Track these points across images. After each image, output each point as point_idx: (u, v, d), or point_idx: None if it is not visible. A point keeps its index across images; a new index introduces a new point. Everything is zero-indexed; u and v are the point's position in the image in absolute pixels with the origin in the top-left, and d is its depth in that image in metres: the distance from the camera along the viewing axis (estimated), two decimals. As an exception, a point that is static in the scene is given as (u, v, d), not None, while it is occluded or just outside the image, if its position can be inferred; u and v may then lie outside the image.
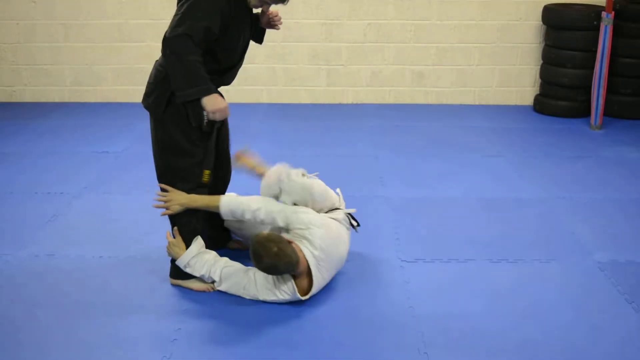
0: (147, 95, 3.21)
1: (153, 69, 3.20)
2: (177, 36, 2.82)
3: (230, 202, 3.11)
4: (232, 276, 3.07)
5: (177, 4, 2.98)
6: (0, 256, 3.49)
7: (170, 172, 3.11)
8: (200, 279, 3.18)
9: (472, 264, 3.45)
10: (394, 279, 3.30)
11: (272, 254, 2.81)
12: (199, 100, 2.90)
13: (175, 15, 2.88)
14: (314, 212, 3.11)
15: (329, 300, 3.10)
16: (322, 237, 2.99)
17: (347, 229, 3.26)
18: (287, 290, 3.00)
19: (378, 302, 3.10)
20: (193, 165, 3.10)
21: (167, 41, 2.85)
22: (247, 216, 3.10)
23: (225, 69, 3.13)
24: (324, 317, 2.98)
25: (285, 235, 3.04)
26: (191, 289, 3.19)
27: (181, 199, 3.08)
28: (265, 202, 3.11)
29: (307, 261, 2.96)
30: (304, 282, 3.00)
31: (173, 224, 3.18)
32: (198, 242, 3.17)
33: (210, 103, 2.90)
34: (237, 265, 3.13)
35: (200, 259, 3.12)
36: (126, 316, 2.98)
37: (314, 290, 3.02)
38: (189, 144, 3.06)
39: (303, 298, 3.00)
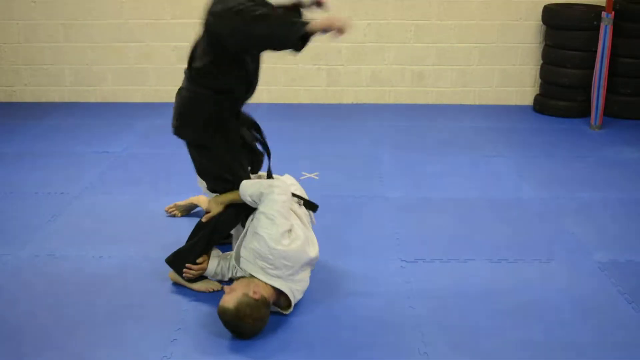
0: (181, 126, 3.18)
1: (178, 96, 3.20)
2: (240, 8, 2.71)
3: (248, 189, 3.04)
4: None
5: None
6: (0, 256, 3.49)
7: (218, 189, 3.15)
8: (201, 280, 3.19)
9: (472, 264, 3.45)
10: (394, 278, 3.30)
11: (250, 330, 2.77)
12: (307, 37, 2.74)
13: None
14: (282, 227, 2.91)
15: (329, 301, 3.10)
16: (284, 257, 2.86)
17: (307, 223, 3.19)
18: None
19: (378, 302, 3.10)
20: (226, 172, 3.12)
21: (240, 14, 2.69)
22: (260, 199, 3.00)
23: (251, 75, 3.11)
24: (323, 318, 2.98)
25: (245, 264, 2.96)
26: (191, 289, 3.19)
27: (217, 207, 3.11)
28: (261, 197, 2.98)
29: (271, 286, 2.86)
30: (281, 299, 2.94)
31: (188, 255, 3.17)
32: (215, 252, 3.21)
33: (317, 26, 2.70)
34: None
35: (224, 265, 3.17)
36: (126, 316, 2.98)
37: (294, 298, 2.96)
38: (220, 163, 3.11)
39: (286, 313, 2.96)
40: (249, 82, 3.12)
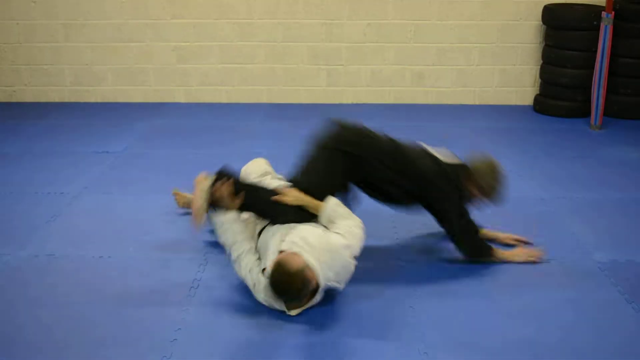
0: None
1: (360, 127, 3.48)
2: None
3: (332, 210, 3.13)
4: (246, 259, 3.08)
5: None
6: (0, 256, 3.49)
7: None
8: (207, 207, 3.13)
9: (472, 264, 3.44)
10: (394, 279, 3.30)
11: (294, 296, 2.82)
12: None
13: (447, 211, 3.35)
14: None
15: (329, 301, 3.10)
16: (347, 270, 2.95)
17: None
18: (278, 307, 2.98)
19: (378, 302, 3.10)
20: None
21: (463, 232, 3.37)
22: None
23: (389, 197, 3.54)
24: (323, 318, 2.98)
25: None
26: (191, 200, 3.25)
27: (292, 198, 3.15)
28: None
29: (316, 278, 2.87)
30: None
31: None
32: (242, 218, 3.22)
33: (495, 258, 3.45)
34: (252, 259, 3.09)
35: (232, 227, 3.16)
36: (126, 316, 2.98)
37: (310, 304, 2.97)
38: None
39: (293, 314, 2.96)
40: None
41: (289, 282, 2.75)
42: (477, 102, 6.34)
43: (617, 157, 5.00)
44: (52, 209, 4.04)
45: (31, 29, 6.12)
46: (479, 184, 3.34)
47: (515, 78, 6.28)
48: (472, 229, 3.40)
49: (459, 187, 3.34)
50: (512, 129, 5.67)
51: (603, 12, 5.34)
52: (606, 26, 5.33)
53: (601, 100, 5.52)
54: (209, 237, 3.67)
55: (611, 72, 5.60)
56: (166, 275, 3.29)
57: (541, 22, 6.03)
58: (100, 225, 3.85)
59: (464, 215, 3.37)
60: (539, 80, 6.21)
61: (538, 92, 6.22)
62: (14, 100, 6.32)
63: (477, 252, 3.41)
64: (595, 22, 5.58)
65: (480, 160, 3.42)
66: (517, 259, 3.44)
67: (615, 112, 5.85)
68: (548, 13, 5.88)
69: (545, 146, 5.25)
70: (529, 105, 6.29)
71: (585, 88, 5.80)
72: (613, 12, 5.32)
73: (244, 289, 3.19)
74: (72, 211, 4.04)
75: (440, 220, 3.44)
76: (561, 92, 5.91)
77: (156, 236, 3.71)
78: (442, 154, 3.45)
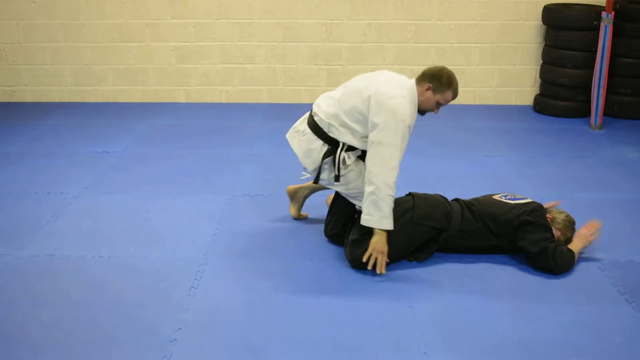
0: None
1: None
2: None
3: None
4: None
5: None
6: (1, 256, 3.49)
7: None
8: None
9: (472, 264, 3.45)
10: (394, 278, 3.30)
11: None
12: None
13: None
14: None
15: (329, 301, 3.10)
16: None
17: None
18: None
19: (378, 302, 3.10)
20: None
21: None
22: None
23: None
24: (323, 318, 2.98)
25: None
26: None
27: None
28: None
29: None
30: None
31: None
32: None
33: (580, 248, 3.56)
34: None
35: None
36: (126, 316, 2.98)
37: None
38: None
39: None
40: None
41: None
42: (477, 102, 6.34)
43: (617, 157, 5.00)
44: (53, 209, 4.04)
45: (31, 29, 6.12)
46: (558, 234, 3.51)
47: (515, 78, 6.28)
48: (561, 248, 3.42)
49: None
50: (512, 129, 5.67)
51: (603, 12, 5.34)
52: (606, 26, 5.33)
53: (601, 100, 5.52)
54: (208, 237, 3.68)
55: (611, 72, 5.61)
56: (166, 275, 3.29)
57: (541, 22, 6.04)
58: (100, 225, 3.85)
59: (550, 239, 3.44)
60: (539, 80, 6.21)
61: (538, 92, 6.22)
62: (14, 100, 6.33)
63: (572, 262, 3.40)
64: (595, 22, 5.59)
65: (559, 211, 3.60)
66: (585, 243, 3.51)
67: (615, 112, 5.85)
68: (548, 13, 5.89)
69: (545, 146, 5.25)
70: (529, 105, 6.29)
71: (585, 88, 5.81)
72: (613, 12, 5.32)
73: (244, 289, 3.20)
74: (72, 211, 4.04)
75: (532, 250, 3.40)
76: (561, 92, 5.92)
77: (156, 236, 3.71)
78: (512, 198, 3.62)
